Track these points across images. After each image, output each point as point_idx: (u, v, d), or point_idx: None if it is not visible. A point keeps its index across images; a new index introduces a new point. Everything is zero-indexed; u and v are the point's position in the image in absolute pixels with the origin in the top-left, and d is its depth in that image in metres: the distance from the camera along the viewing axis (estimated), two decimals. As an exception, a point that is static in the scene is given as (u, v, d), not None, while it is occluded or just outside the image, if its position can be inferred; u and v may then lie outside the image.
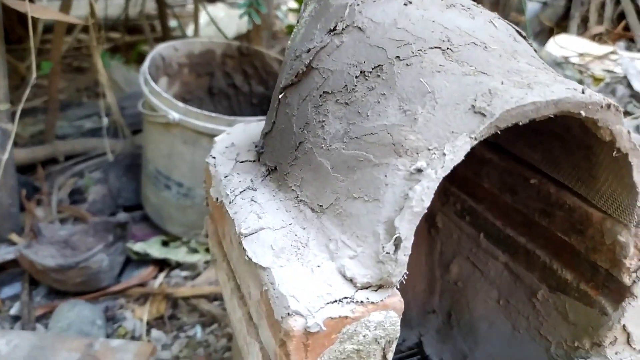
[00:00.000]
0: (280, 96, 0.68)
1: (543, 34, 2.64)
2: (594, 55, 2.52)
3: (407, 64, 0.57)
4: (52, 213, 1.68)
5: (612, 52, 2.55)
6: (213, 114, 1.31)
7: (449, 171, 0.47)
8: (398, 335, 0.51)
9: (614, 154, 0.54)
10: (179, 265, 1.48)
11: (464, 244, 0.91)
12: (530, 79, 0.51)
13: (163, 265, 1.48)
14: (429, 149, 0.48)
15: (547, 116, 0.48)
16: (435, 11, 0.63)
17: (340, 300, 0.48)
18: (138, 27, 2.99)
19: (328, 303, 0.47)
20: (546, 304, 0.74)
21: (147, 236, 1.57)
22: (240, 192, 0.67)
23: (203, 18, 2.83)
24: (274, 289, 0.49)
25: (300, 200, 0.61)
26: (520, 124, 0.48)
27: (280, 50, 2.45)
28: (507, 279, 0.81)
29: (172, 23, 2.83)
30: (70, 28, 2.66)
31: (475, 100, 0.49)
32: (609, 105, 0.50)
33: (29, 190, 1.74)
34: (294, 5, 3.19)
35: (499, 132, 0.48)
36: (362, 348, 0.49)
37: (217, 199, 0.71)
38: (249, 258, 0.55)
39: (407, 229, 0.47)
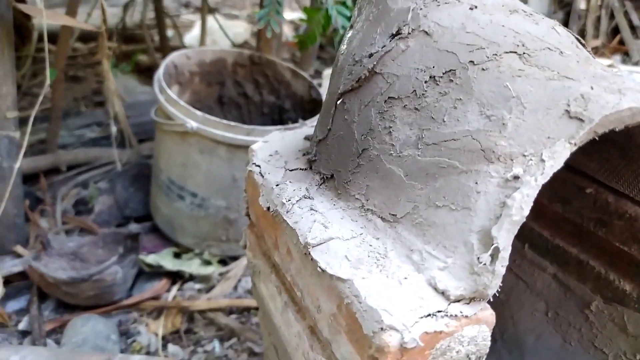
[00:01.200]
0: (338, 102, 0.66)
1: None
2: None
3: (482, 69, 0.55)
4: (57, 224, 1.63)
5: (611, 65, 2.59)
6: (232, 123, 1.28)
7: (548, 178, 0.46)
8: (488, 351, 0.48)
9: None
10: (192, 278, 1.44)
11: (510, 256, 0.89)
12: (619, 84, 0.49)
13: (176, 277, 1.44)
14: (524, 155, 0.47)
15: (636, 123, 0.47)
16: (501, 16, 0.62)
17: (434, 314, 0.45)
18: (134, 36, 2.96)
19: (422, 317, 0.45)
20: (601, 316, 0.73)
21: (157, 248, 1.53)
22: (297, 201, 0.64)
23: (196, 29, 2.81)
24: (360, 302, 0.47)
25: (367, 209, 0.58)
26: (617, 129, 0.46)
27: (284, 58, 2.44)
28: (555, 291, 0.80)
29: (168, 33, 2.79)
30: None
31: (569, 105, 0.48)
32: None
33: (31, 201, 1.69)
34: (289, 16, 3.18)
35: (596, 138, 0.46)
36: (454, 364, 0.47)
37: (268, 208, 0.68)
38: (322, 269, 0.52)
39: (505, 239, 0.45)
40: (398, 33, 0.62)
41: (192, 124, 1.29)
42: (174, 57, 1.52)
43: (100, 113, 2.23)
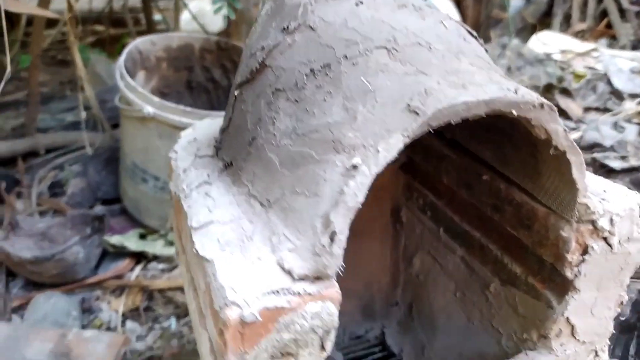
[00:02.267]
0: (236, 93, 0.70)
1: (526, 31, 2.66)
2: (576, 52, 2.54)
3: (353, 63, 0.58)
4: (32, 206, 1.69)
5: (594, 50, 2.57)
6: (188, 109, 1.32)
7: (382, 168, 0.49)
8: (337, 325, 0.52)
9: (550, 151, 0.56)
10: (155, 258, 1.49)
11: (425, 238, 0.93)
12: (467, 79, 0.52)
13: (140, 258, 1.49)
14: (365, 147, 0.50)
15: (480, 115, 0.50)
16: (386, 11, 0.65)
17: (277, 292, 0.49)
18: (123, 20, 2.98)
19: (265, 294, 0.49)
20: (498, 297, 0.76)
21: (125, 229, 1.58)
22: (197, 187, 0.68)
23: (188, 13, 2.83)
24: (215, 280, 0.51)
25: (252, 195, 0.62)
26: (453, 122, 0.50)
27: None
28: (463, 272, 0.83)
29: (157, 17, 2.82)
30: (54, 21, 2.65)
31: (412, 99, 0.51)
32: (542, 105, 0.52)
33: (9, 183, 1.75)
34: None
35: (431, 131, 0.50)
36: (300, 337, 0.51)
37: (175, 192, 0.72)
38: (196, 251, 0.56)
39: (341, 223, 0.49)
40: (287, 28, 0.65)
41: (149, 109, 1.33)
42: (138, 42, 1.55)
43: (79, 97, 2.28)
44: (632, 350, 1.01)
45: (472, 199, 0.79)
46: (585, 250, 0.62)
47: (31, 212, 1.65)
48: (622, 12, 2.93)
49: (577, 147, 0.57)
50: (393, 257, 1.00)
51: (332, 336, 0.53)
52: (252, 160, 0.64)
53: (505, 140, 0.70)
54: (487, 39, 2.53)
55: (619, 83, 2.33)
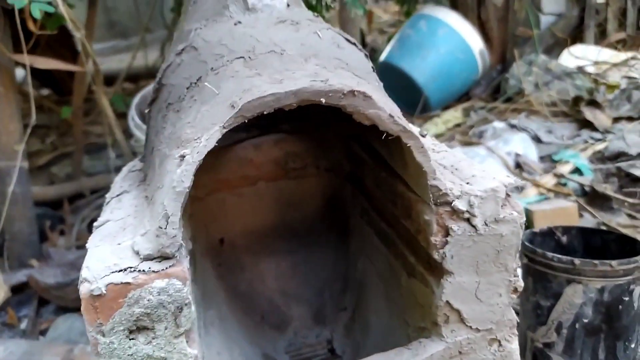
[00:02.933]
0: (146, 111, 0.80)
1: (558, 46, 2.60)
2: (612, 63, 2.44)
3: (216, 73, 0.67)
4: (72, 241, 1.88)
5: (633, 58, 2.46)
6: (184, 142, 1.45)
7: (202, 156, 0.56)
8: (188, 302, 0.58)
9: (383, 137, 0.60)
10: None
11: (365, 243, 0.96)
12: (288, 75, 0.59)
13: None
14: (194, 139, 0.57)
15: (291, 105, 0.56)
16: (261, 28, 0.73)
17: (124, 270, 0.57)
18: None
19: (113, 272, 0.56)
20: (407, 290, 0.78)
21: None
22: (117, 195, 0.78)
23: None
24: (85, 264, 0.59)
25: (146, 196, 0.71)
26: (265, 112, 0.56)
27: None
28: (387, 271, 0.86)
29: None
30: (111, 80, 2.97)
31: (235, 97, 0.58)
32: (353, 92, 0.56)
33: (55, 222, 1.96)
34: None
35: (246, 121, 0.56)
36: (151, 312, 0.57)
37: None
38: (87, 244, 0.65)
39: (172, 207, 0.56)
40: (179, 50, 0.75)
41: (151, 145, 1.47)
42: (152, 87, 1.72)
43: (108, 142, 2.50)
44: (601, 354, 0.96)
45: (382, 197, 0.83)
46: (447, 232, 0.64)
47: (70, 246, 1.84)
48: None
49: (413, 132, 0.60)
50: (344, 264, 1.03)
51: (186, 312, 0.59)
52: (151, 166, 0.73)
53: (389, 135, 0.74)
54: (512, 58, 2.50)
55: (657, 90, 2.21)
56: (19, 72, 1.90)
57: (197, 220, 0.98)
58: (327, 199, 1.07)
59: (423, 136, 0.79)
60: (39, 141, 2.75)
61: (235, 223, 1.05)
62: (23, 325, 1.52)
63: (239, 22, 0.73)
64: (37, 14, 1.14)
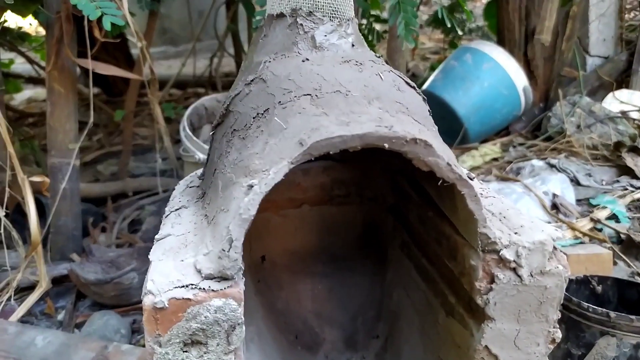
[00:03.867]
0: (211, 133, 0.84)
1: (603, 89, 2.59)
2: (658, 110, 2.42)
3: (283, 107, 0.71)
4: (112, 239, 1.95)
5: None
6: (231, 156, 1.50)
7: (270, 188, 0.60)
8: (240, 322, 0.62)
9: (439, 183, 0.63)
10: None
11: (403, 275, 0.98)
12: (354, 118, 0.62)
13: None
14: (263, 171, 0.61)
15: (355, 147, 0.60)
16: (327, 66, 0.77)
17: (186, 286, 0.61)
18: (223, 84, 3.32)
19: (176, 287, 0.61)
20: (444, 329, 0.81)
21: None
22: (176, 209, 0.83)
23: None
24: (148, 277, 0.64)
25: (206, 215, 0.75)
26: (331, 152, 0.59)
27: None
28: (424, 306, 0.88)
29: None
30: (163, 85, 3.07)
31: (303, 134, 0.62)
32: (415, 140, 0.60)
33: (97, 219, 2.04)
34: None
35: (312, 159, 0.60)
36: (206, 328, 0.61)
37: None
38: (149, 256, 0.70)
39: (237, 232, 0.60)
40: (248, 80, 0.80)
41: (199, 155, 1.53)
42: (204, 100, 1.79)
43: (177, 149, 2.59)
44: (630, 411, 0.96)
45: (425, 234, 0.86)
46: (492, 279, 0.67)
47: (110, 244, 1.91)
48: None
49: (468, 180, 0.63)
50: (379, 293, 1.06)
51: (238, 332, 0.63)
52: (212, 187, 0.77)
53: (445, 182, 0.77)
54: (556, 97, 2.50)
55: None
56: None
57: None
58: (367, 227, 1.10)
59: (471, 179, 0.82)
60: (87, 138, 2.86)
61: (278, 242, 1.09)
62: (60, 316, 1.58)
63: (307, 59, 0.77)
64: (108, 27, 1.21)
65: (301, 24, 0.80)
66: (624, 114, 2.38)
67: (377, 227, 1.09)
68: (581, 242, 1.76)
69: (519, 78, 2.46)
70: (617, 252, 1.68)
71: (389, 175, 1.04)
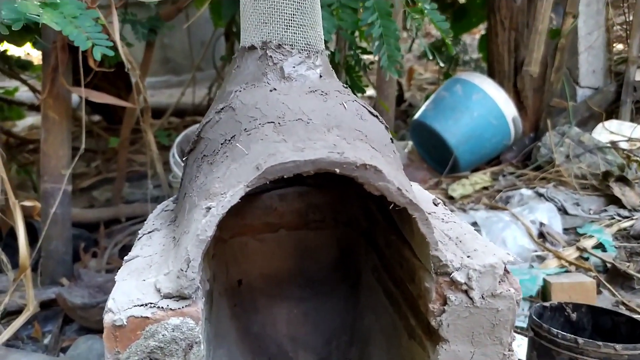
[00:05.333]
0: (185, 159, 0.88)
1: (592, 120, 2.62)
2: (647, 140, 2.45)
3: (248, 134, 0.74)
4: (102, 264, 1.97)
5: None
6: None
7: (226, 210, 0.62)
8: (198, 340, 0.64)
9: (390, 207, 0.66)
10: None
11: (373, 299, 1.00)
12: (310, 145, 0.65)
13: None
14: (221, 194, 0.64)
15: (308, 172, 0.63)
16: (293, 96, 0.80)
17: (145, 305, 0.63)
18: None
19: (135, 306, 0.63)
20: (406, 350, 0.82)
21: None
22: (148, 232, 0.86)
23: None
24: (111, 296, 0.66)
25: (173, 237, 0.78)
26: (285, 176, 0.62)
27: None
28: (391, 329, 0.90)
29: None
30: (161, 113, 3.13)
31: (261, 159, 0.65)
32: (365, 166, 0.63)
33: (89, 244, 2.06)
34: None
35: (267, 183, 0.63)
36: (164, 346, 0.63)
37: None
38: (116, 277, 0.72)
39: (194, 252, 0.62)
40: (219, 108, 0.83)
41: (186, 182, 1.56)
42: (195, 127, 1.84)
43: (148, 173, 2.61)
44: None
45: (391, 258, 0.88)
46: (445, 301, 0.69)
47: (100, 269, 1.93)
48: None
49: (419, 205, 0.66)
50: (352, 317, 1.07)
51: (196, 350, 0.65)
52: (181, 210, 0.80)
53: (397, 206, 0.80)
54: (546, 127, 2.54)
55: (691, 172, 2.20)
56: (74, 97, 2.04)
57: (219, 260, 1.04)
58: (342, 252, 1.12)
59: (436, 204, 0.84)
60: (85, 164, 2.91)
61: (255, 266, 1.11)
62: (46, 340, 1.59)
63: (274, 89, 0.81)
64: (98, 57, 1.26)
65: (270, 56, 0.84)
66: (613, 144, 2.41)
67: (351, 251, 1.11)
68: (567, 271, 1.77)
69: (508, 108, 2.50)
70: (602, 281, 1.68)
71: (361, 200, 1.07)
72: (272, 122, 0.74)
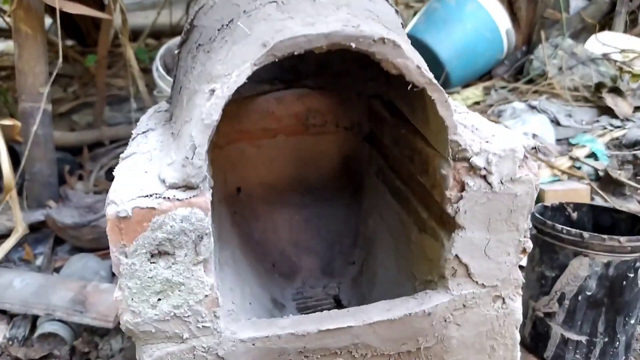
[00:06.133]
0: (177, 52, 0.81)
1: (586, 31, 2.56)
2: (638, 52, 2.40)
3: (248, 16, 0.68)
4: (90, 186, 1.92)
5: (661, 47, 2.42)
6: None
7: (232, 91, 0.58)
8: (208, 232, 0.61)
9: (409, 88, 0.61)
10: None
11: (378, 200, 0.98)
12: (321, 19, 0.60)
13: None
14: (225, 75, 0.59)
15: (321, 48, 0.57)
16: (295, -24, 0.73)
17: (150, 195, 0.59)
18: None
19: (140, 197, 0.59)
20: (416, 245, 0.81)
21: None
22: (143, 132, 0.81)
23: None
24: (111, 188, 0.62)
25: (172, 132, 0.73)
26: (296, 53, 0.57)
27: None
28: (398, 227, 0.88)
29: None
30: (137, 36, 2.97)
31: (267, 36, 0.59)
32: (383, 40, 0.58)
33: (74, 167, 2.00)
34: None
35: (276, 60, 0.58)
36: (173, 238, 0.60)
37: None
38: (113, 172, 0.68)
39: (200, 138, 0.58)
40: (213, -7, 0.76)
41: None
42: (178, 39, 1.74)
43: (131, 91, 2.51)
44: (600, 327, 0.98)
45: (399, 155, 0.85)
46: (463, 187, 0.66)
47: (87, 191, 1.88)
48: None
49: (438, 85, 0.62)
50: (355, 221, 1.05)
51: (206, 242, 0.62)
52: (178, 104, 0.75)
53: (413, 94, 0.75)
54: (539, 40, 2.48)
55: (683, 82, 2.18)
56: (47, 22, 1.91)
57: (216, 167, 1.00)
58: (343, 157, 1.09)
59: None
60: (62, 89, 2.78)
61: (253, 174, 1.07)
62: (38, 262, 1.57)
63: (274, -31, 0.74)
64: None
65: None
66: (606, 56, 2.37)
67: (354, 156, 1.08)
68: (559, 180, 1.77)
69: (502, 20, 2.42)
70: (594, 188, 1.69)
71: (364, 101, 1.03)
72: (274, 1, 0.68)
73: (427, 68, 0.63)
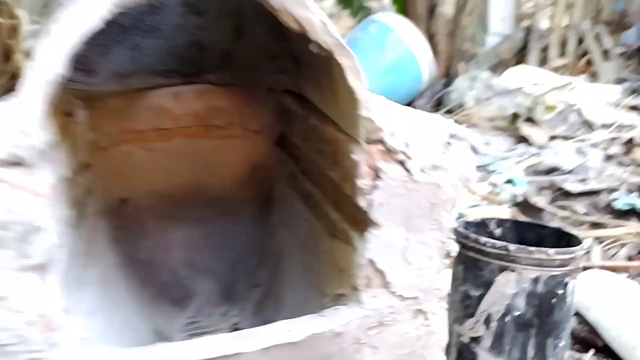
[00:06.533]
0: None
1: (501, 66, 2.64)
2: (552, 86, 2.49)
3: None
4: None
5: (569, 84, 2.53)
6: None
7: (83, 34, 0.44)
8: (43, 225, 0.46)
9: (314, 50, 0.51)
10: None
11: (288, 211, 0.86)
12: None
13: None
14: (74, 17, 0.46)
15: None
16: None
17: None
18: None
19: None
20: (327, 255, 0.69)
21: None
22: None
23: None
24: None
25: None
26: None
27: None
28: (308, 237, 0.76)
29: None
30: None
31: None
32: (279, -17, 0.47)
33: None
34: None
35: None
36: (-9, 232, 0.44)
37: None
38: None
39: (34, 96, 0.44)
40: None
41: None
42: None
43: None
44: (530, 352, 0.90)
45: (309, 152, 0.73)
46: (377, 175, 0.55)
47: None
48: (605, 52, 2.90)
49: (349, 49, 0.51)
50: (262, 237, 0.92)
51: (40, 240, 0.46)
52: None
53: (323, 75, 0.65)
54: (457, 72, 2.51)
55: (592, 115, 2.27)
56: None
57: (96, 172, 0.84)
58: (251, 165, 0.96)
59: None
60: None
61: (143, 182, 0.92)
62: None
63: None
64: None
65: None
66: (521, 89, 2.43)
67: (263, 164, 0.96)
68: (479, 206, 1.74)
69: (422, 53, 2.44)
70: (514, 213, 1.67)
71: (274, 100, 0.91)
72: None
73: (335, 29, 0.52)
